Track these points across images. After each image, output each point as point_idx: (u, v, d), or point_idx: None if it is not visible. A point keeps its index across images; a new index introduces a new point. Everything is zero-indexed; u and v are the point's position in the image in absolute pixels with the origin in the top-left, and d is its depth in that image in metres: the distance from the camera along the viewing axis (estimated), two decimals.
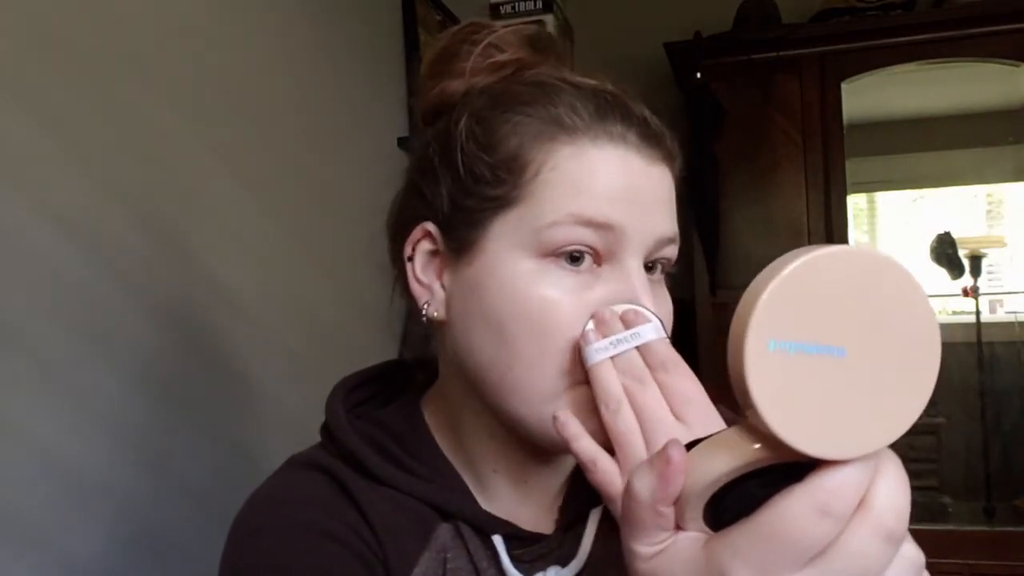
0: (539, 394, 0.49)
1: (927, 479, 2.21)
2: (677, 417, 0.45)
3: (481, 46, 0.54)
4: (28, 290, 0.76)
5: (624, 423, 0.45)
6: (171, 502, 0.92)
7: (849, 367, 0.24)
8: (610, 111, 0.51)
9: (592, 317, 0.48)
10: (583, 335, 0.48)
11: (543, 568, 0.53)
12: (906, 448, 2.39)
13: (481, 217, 0.50)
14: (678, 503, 0.28)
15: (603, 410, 0.46)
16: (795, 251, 0.25)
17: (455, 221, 0.52)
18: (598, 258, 0.49)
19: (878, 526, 0.25)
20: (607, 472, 0.46)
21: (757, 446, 0.26)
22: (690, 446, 0.28)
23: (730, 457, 0.26)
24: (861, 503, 0.25)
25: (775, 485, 0.26)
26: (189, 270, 0.99)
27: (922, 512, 2.15)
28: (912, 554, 0.27)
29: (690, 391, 0.46)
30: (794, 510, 0.25)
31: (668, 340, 0.48)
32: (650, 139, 0.51)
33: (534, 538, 0.54)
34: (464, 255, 0.51)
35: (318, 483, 0.53)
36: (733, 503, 0.27)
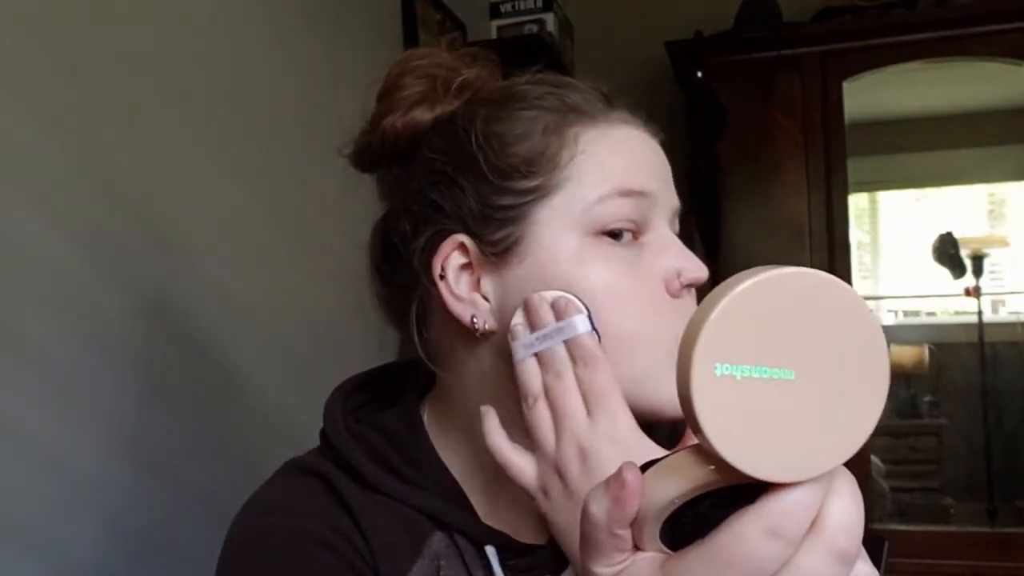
0: (642, 365, 0.50)
1: (929, 480, 2.20)
2: (589, 412, 0.46)
3: (431, 71, 0.55)
4: (26, 290, 0.76)
5: (538, 417, 0.47)
6: (169, 502, 0.92)
7: (797, 390, 0.24)
8: (612, 98, 0.54)
9: (523, 304, 0.49)
10: (511, 329, 0.49)
11: None
12: (908, 449, 2.38)
13: (523, 211, 0.50)
14: (635, 524, 0.28)
15: (523, 404, 0.48)
16: (740, 273, 0.25)
17: (491, 225, 0.51)
18: (637, 233, 0.52)
19: (831, 546, 0.25)
20: (517, 463, 0.48)
21: (710, 468, 0.26)
22: (645, 468, 0.28)
23: (683, 480, 0.26)
24: (813, 524, 0.25)
25: (730, 505, 0.26)
26: (189, 271, 0.99)
27: (924, 513, 2.15)
28: (866, 573, 0.28)
29: (604, 387, 0.46)
30: (746, 533, 0.25)
31: (594, 332, 0.48)
32: (649, 124, 0.56)
33: (529, 548, 0.54)
34: (511, 254, 0.51)
35: (314, 489, 0.53)
36: (689, 523, 0.27)
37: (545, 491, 0.46)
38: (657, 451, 0.44)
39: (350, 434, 0.55)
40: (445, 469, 0.55)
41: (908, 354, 2.33)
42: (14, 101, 0.76)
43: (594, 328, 0.48)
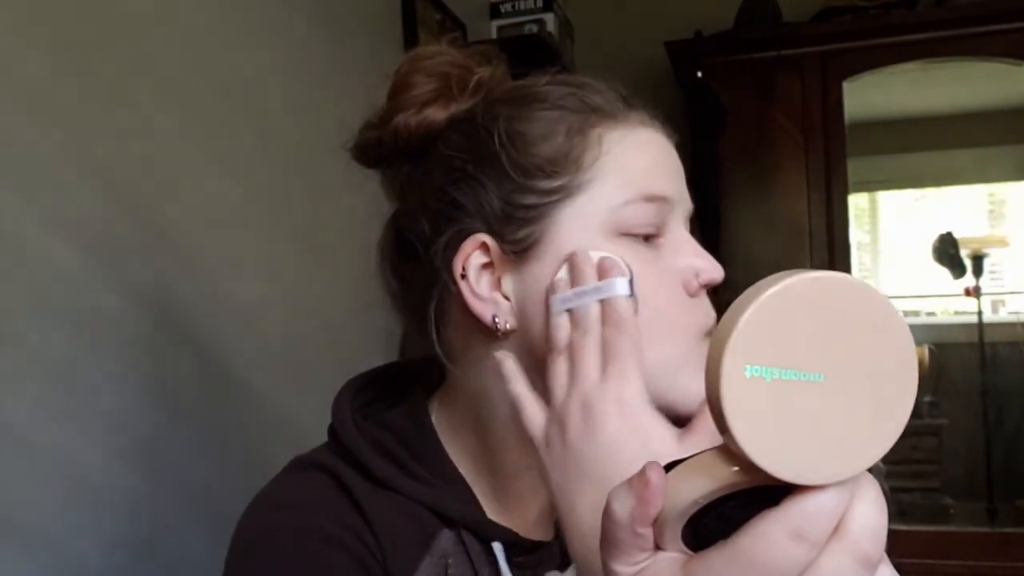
0: (658, 360, 0.50)
1: (929, 480, 2.20)
2: (604, 371, 0.46)
3: (443, 69, 0.55)
4: (28, 290, 0.76)
5: (556, 370, 0.48)
6: (170, 502, 0.92)
7: (826, 393, 0.24)
8: (631, 100, 0.55)
9: (568, 260, 0.50)
10: (552, 283, 0.50)
11: (542, 574, 0.53)
12: (908, 449, 2.38)
13: (546, 211, 0.51)
14: (657, 524, 0.28)
15: (548, 355, 0.49)
16: (773, 276, 0.25)
17: (513, 224, 0.51)
18: (656, 234, 0.53)
19: (854, 550, 0.25)
20: (531, 412, 0.48)
21: (735, 469, 0.26)
22: (669, 467, 0.28)
23: (708, 480, 0.26)
24: (838, 527, 0.25)
25: (754, 507, 0.26)
26: (189, 271, 0.99)
27: (924, 513, 2.15)
28: None
29: (624, 350, 0.46)
30: (770, 534, 0.25)
31: (632, 297, 0.48)
32: (664, 126, 0.56)
33: (536, 545, 0.54)
34: (531, 252, 0.51)
35: (322, 485, 0.53)
36: (712, 524, 0.27)
37: (548, 442, 0.47)
38: (661, 425, 0.45)
39: (359, 431, 0.55)
40: (453, 466, 0.56)
41: None
42: (15, 102, 0.76)
43: (633, 294, 0.48)
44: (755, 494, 0.26)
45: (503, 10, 1.93)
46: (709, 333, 0.51)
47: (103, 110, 0.87)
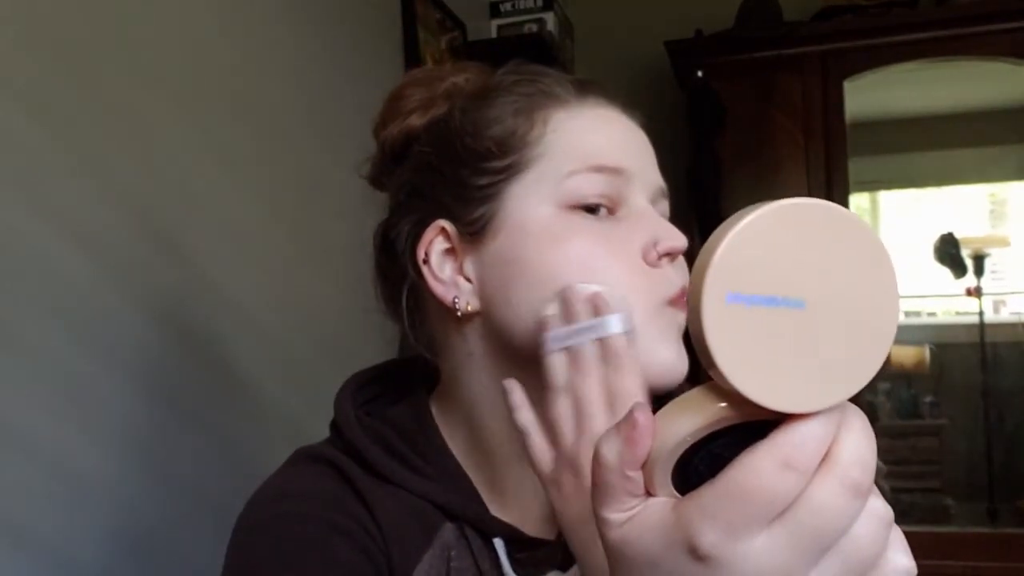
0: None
1: (930, 480, 2.20)
2: (613, 413, 0.46)
3: (428, 83, 0.58)
4: (28, 291, 0.76)
5: (560, 411, 0.47)
6: (170, 503, 0.92)
7: (808, 320, 0.24)
8: (589, 87, 0.55)
9: (559, 294, 0.49)
10: (544, 319, 0.49)
11: (543, 572, 0.53)
12: (908, 450, 2.38)
13: (498, 189, 0.52)
14: (647, 468, 0.27)
15: (547, 395, 0.48)
16: (752, 205, 0.24)
17: (470, 205, 0.52)
18: (612, 208, 0.52)
19: (844, 479, 0.25)
20: (539, 447, 0.47)
21: (722, 404, 0.25)
22: (655, 409, 0.28)
23: (696, 417, 0.26)
24: (826, 457, 0.25)
25: (742, 444, 0.25)
26: (190, 272, 0.99)
27: (924, 513, 2.14)
28: (880, 508, 0.27)
29: (628, 391, 0.46)
30: (758, 466, 0.25)
31: (628, 333, 0.47)
32: (628, 109, 0.57)
33: (537, 542, 0.54)
34: (487, 231, 0.52)
35: (325, 476, 0.53)
36: (701, 465, 0.27)
37: (558, 484, 0.46)
38: None
39: (361, 426, 0.55)
40: (455, 462, 0.56)
41: (909, 354, 2.33)
42: (15, 102, 0.76)
43: (629, 329, 0.47)
44: (743, 431, 0.26)
45: (503, 9, 1.93)
46: (672, 302, 0.51)
47: (105, 111, 0.87)
